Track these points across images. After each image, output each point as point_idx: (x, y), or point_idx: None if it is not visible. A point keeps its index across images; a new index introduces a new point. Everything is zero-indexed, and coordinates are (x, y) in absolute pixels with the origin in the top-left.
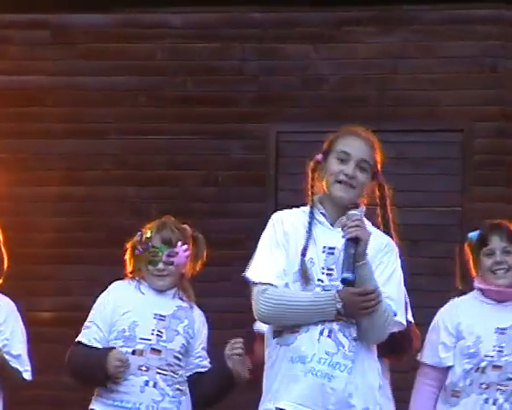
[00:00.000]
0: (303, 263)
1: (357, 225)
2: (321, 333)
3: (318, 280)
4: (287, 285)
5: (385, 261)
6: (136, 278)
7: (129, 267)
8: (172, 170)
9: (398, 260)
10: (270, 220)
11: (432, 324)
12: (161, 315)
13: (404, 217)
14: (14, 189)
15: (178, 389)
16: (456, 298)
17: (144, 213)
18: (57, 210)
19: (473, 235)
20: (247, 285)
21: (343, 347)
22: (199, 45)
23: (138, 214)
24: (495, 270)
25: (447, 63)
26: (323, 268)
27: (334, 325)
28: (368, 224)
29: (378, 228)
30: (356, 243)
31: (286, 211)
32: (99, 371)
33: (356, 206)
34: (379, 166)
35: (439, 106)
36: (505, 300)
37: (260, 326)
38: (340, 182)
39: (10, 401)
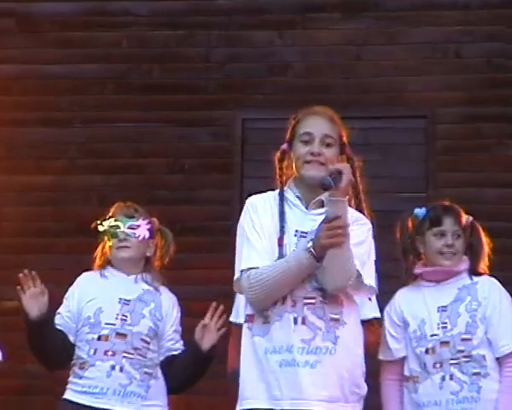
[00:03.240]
0: (280, 254)
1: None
2: (295, 322)
3: None
4: None
5: (355, 229)
6: (101, 267)
7: (100, 253)
8: (139, 158)
9: (370, 233)
10: (245, 207)
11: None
12: (126, 299)
13: (369, 203)
14: None
15: (146, 373)
16: (400, 289)
17: (111, 201)
18: (24, 199)
19: (420, 212)
20: (212, 273)
21: (320, 330)
22: (165, 33)
23: (105, 203)
24: (445, 252)
25: (411, 49)
26: (294, 251)
27: (306, 311)
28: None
29: (349, 202)
30: (338, 175)
31: (259, 196)
32: (26, 324)
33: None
34: (344, 139)
35: (404, 92)
36: (443, 279)
37: (235, 319)
38: (308, 162)
39: None
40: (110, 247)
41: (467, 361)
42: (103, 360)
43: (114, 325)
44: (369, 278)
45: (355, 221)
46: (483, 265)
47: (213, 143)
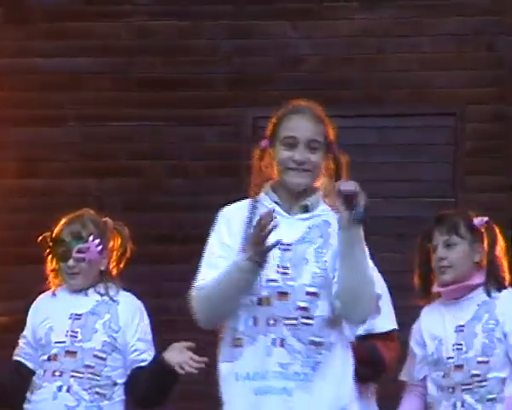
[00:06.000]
0: None
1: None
2: (273, 344)
3: (270, 281)
4: None
5: None
6: (53, 287)
7: (49, 266)
8: (139, 159)
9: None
10: (217, 220)
11: None
12: (77, 314)
13: (389, 209)
14: None
15: (98, 393)
16: (425, 307)
17: (108, 207)
18: (12, 205)
19: None
20: None
21: (299, 353)
22: (167, 23)
23: (101, 209)
24: (438, 267)
25: (438, 41)
26: (278, 266)
27: (285, 332)
28: (327, 209)
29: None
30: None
31: (232, 206)
32: None
33: (313, 191)
34: (331, 137)
35: (430, 88)
36: (460, 296)
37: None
38: (292, 169)
39: None
40: (60, 268)
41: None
42: (50, 381)
43: (64, 342)
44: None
45: None
46: (501, 274)
47: (220, 144)
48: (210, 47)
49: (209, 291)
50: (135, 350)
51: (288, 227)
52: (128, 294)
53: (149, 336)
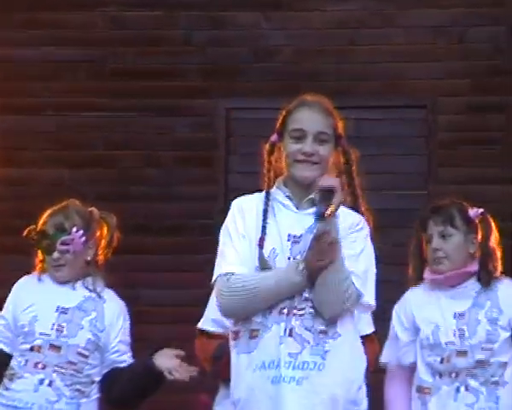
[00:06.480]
0: (261, 255)
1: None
2: (284, 333)
3: None
4: None
5: (354, 238)
6: (39, 271)
7: (39, 256)
8: (112, 150)
9: (368, 239)
10: (231, 209)
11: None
12: (64, 308)
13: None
14: None
15: (78, 390)
16: (409, 289)
17: (83, 196)
18: None
19: None
20: (192, 276)
21: (308, 342)
22: (141, 14)
23: (76, 198)
24: (433, 258)
25: (410, 33)
26: (289, 258)
27: (294, 322)
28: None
29: (344, 200)
30: (330, 194)
31: (246, 197)
32: None
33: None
34: (339, 131)
35: (402, 80)
36: (455, 284)
37: (204, 326)
38: (300, 161)
39: None
40: (45, 260)
41: (485, 370)
42: (32, 372)
43: (49, 335)
44: (369, 296)
45: (350, 228)
46: (495, 265)
47: (194, 135)
48: (183, 37)
49: (252, 288)
50: (116, 351)
51: (297, 221)
52: (112, 293)
53: (129, 338)
